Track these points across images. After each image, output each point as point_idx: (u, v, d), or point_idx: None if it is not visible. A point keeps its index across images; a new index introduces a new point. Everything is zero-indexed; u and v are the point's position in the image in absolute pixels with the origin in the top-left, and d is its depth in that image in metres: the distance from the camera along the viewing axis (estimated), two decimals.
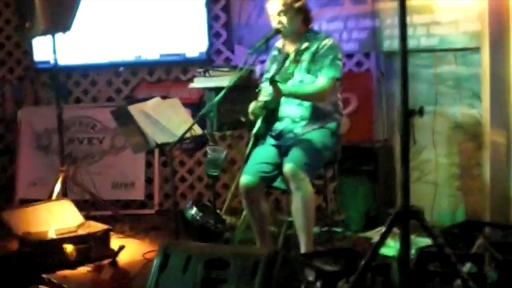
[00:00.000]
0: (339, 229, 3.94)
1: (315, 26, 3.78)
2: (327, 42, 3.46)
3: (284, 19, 3.46)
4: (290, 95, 3.40)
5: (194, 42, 4.99)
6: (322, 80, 3.41)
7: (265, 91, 3.46)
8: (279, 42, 3.66)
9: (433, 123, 4.16)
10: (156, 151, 5.01)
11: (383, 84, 4.55)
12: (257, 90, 3.59)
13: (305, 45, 3.37)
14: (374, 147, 4.33)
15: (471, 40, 3.94)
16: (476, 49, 3.92)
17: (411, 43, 4.14)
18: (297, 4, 3.48)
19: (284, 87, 3.29)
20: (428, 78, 4.25)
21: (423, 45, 4.19)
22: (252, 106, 3.51)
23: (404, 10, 2.52)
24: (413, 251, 2.98)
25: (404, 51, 2.54)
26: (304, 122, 3.49)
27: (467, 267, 2.91)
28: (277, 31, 3.49)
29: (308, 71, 3.45)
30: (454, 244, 3.35)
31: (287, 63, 3.25)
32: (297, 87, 3.42)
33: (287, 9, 3.46)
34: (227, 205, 4.22)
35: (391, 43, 4.37)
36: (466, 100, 4.08)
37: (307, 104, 3.48)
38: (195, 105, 4.87)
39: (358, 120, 4.58)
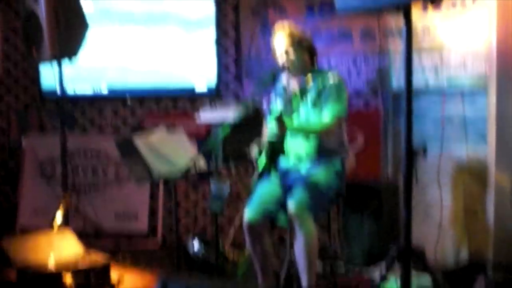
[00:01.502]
0: (341, 267, 3.89)
1: (324, 62, 3.79)
2: (333, 79, 3.46)
3: (292, 55, 3.48)
4: (295, 131, 3.40)
5: (203, 75, 5.02)
6: (326, 118, 3.40)
7: (271, 130, 3.43)
8: (283, 79, 3.65)
9: (438, 164, 4.14)
10: (161, 183, 4.99)
11: (390, 123, 4.56)
12: (263, 126, 3.59)
13: (311, 82, 3.38)
14: (380, 186, 4.32)
15: (478, 81, 3.95)
16: (483, 91, 3.93)
17: (419, 84, 4.19)
18: (304, 42, 3.50)
19: (290, 124, 3.29)
20: (435, 119, 4.26)
21: (431, 86, 4.21)
22: (253, 148, 3.51)
23: (410, 50, 2.54)
24: None
25: (409, 91, 2.55)
26: (309, 160, 3.48)
27: None
28: (284, 68, 3.49)
29: (314, 107, 3.45)
30: (457, 285, 3.32)
31: (294, 100, 3.25)
32: (301, 125, 3.42)
33: (295, 47, 3.48)
34: (230, 240, 4.20)
35: (399, 82, 4.38)
36: (472, 141, 4.08)
37: (313, 141, 3.47)
38: (201, 138, 4.87)
39: (365, 158, 4.57)
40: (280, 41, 3.51)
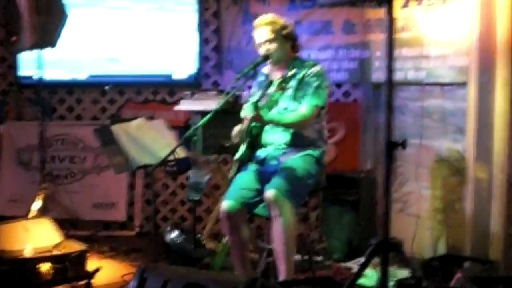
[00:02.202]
0: (320, 258, 3.91)
1: (305, 54, 3.79)
2: (314, 69, 3.45)
3: (272, 47, 3.47)
4: (271, 123, 3.39)
5: (183, 64, 4.99)
6: (303, 108, 3.40)
7: (246, 111, 3.40)
8: (266, 68, 3.65)
9: (417, 156, 4.16)
10: (140, 172, 4.97)
11: (370, 115, 4.57)
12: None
13: (291, 72, 3.37)
14: (358, 177, 4.34)
15: (458, 75, 3.96)
16: (463, 84, 3.95)
17: (399, 76, 4.19)
18: (285, 31, 3.49)
19: (266, 114, 3.28)
20: (414, 111, 4.28)
21: (410, 78, 4.22)
22: (235, 129, 3.49)
23: (392, 43, 2.54)
24: (392, 283, 2.97)
25: (390, 84, 2.55)
26: (287, 149, 3.48)
27: None
28: (266, 58, 3.49)
29: (294, 98, 3.44)
30: (433, 277, 3.35)
31: (271, 89, 3.24)
32: (279, 115, 3.41)
33: (275, 37, 3.47)
34: (208, 230, 4.19)
35: (379, 74, 4.39)
36: (450, 134, 4.10)
37: (291, 131, 3.47)
38: (181, 128, 4.86)
39: (344, 149, 4.59)
40: (261, 31, 3.50)
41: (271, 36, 3.46)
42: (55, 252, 3.81)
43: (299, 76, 3.45)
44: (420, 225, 4.16)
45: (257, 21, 3.53)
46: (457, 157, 4.06)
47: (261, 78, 3.66)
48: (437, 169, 4.19)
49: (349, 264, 4.05)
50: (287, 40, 3.51)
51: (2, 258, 3.65)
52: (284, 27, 3.50)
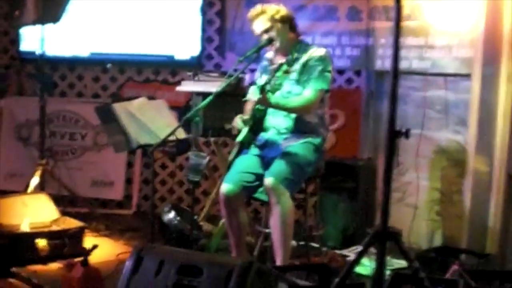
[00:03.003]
0: (316, 245, 3.91)
1: (308, 39, 3.77)
2: (318, 53, 3.44)
3: (273, 33, 3.44)
4: (276, 106, 3.37)
5: (186, 45, 4.96)
6: (308, 92, 3.39)
7: (253, 94, 3.38)
8: (270, 53, 3.63)
9: (418, 146, 4.15)
10: (139, 152, 4.96)
11: (372, 103, 4.55)
12: (244, 99, 3.56)
13: (295, 55, 3.36)
14: (357, 165, 4.32)
15: (462, 66, 3.94)
16: (467, 76, 3.93)
17: (403, 65, 4.17)
18: (278, 15, 3.45)
19: (272, 97, 3.27)
20: (417, 101, 4.26)
21: (414, 68, 4.20)
22: (237, 120, 3.48)
23: (399, 31, 2.52)
24: (388, 272, 2.97)
25: (395, 73, 2.52)
26: (289, 134, 3.47)
27: None
28: (270, 41, 3.46)
29: (298, 82, 3.43)
30: (429, 268, 3.35)
31: (278, 73, 3.22)
32: (284, 99, 3.40)
33: (272, 24, 3.44)
34: (205, 212, 4.19)
35: (383, 62, 4.37)
36: (452, 125, 4.09)
37: (293, 116, 3.46)
38: (181, 109, 4.84)
39: (344, 137, 4.58)
40: (257, 23, 3.48)
41: (268, 24, 3.44)
42: (53, 228, 3.83)
43: (303, 59, 3.43)
44: (417, 216, 4.16)
45: (249, 15, 3.51)
46: (458, 149, 4.05)
47: (264, 63, 3.65)
48: (437, 160, 4.18)
49: (345, 251, 4.06)
50: (285, 22, 3.48)
51: (2, 232, 3.66)
52: (276, 12, 3.46)
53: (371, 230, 2.54)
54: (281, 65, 3.26)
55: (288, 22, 3.50)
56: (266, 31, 3.45)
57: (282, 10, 3.48)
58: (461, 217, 3.98)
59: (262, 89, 3.20)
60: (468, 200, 3.93)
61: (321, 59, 3.42)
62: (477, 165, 3.88)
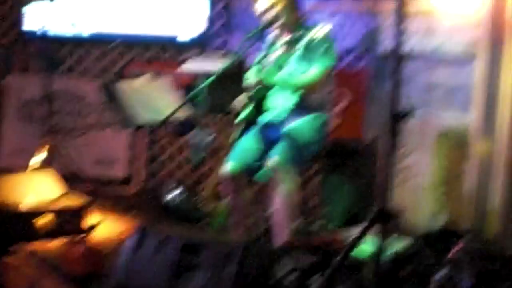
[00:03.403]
0: (318, 224, 3.92)
1: (313, 20, 3.73)
2: (322, 31, 3.43)
3: (278, 8, 3.42)
4: (281, 84, 3.37)
5: (191, 24, 4.93)
6: (314, 70, 3.38)
7: (253, 75, 3.38)
8: (272, 35, 3.60)
9: (422, 128, 4.14)
10: (142, 130, 4.95)
11: (377, 84, 4.54)
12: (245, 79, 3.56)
13: (299, 34, 3.35)
14: (361, 146, 4.32)
15: (467, 48, 3.92)
16: (471, 58, 3.91)
17: (407, 47, 4.14)
18: None
19: (275, 76, 3.26)
20: (421, 84, 4.24)
21: (418, 51, 4.17)
22: (240, 98, 3.48)
23: (401, 14, 2.51)
24: (390, 252, 2.98)
25: (399, 55, 2.52)
26: (292, 113, 3.47)
27: (442, 272, 2.92)
28: (273, 21, 3.44)
29: (303, 59, 3.42)
30: (432, 249, 3.36)
31: (278, 51, 3.22)
32: (289, 77, 3.39)
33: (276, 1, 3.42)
34: (209, 191, 4.20)
35: (388, 44, 4.34)
36: (456, 108, 4.08)
37: (296, 95, 3.45)
38: (186, 87, 4.82)
39: (348, 117, 4.55)
40: (261, 3, 3.46)
41: (272, 1, 3.42)
42: (55, 205, 3.84)
43: (308, 37, 3.42)
44: (421, 198, 4.16)
45: None
46: (462, 131, 4.04)
47: (268, 41, 3.62)
48: (441, 142, 4.18)
49: (347, 232, 4.06)
50: (289, 3, 3.45)
51: (4, 209, 3.67)
52: None
53: (372, 210, 2.55)
54: (283, 47, 3.24)
55: (293, 5, 3.47)
56: (272, 6, 3.43)
57: None
58: (465, 199, 3.98)
59: (259, 69, 3.18)
60: (472, 181, 3.93)
61: (325, 37, 3.41)
62: (481, 147, 3.87)
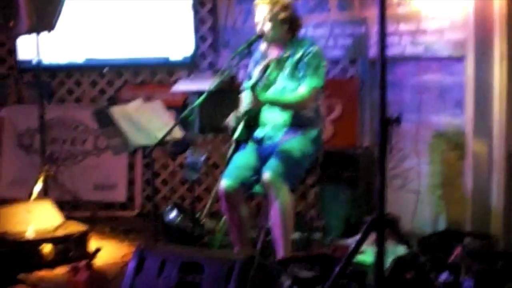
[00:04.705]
0: (318, 235, 3.91)
1: (301, 32, 3.75)
2: (312, 49, 3.43)
3: (267, 26, 3.45)
4: (269, 103, 3.38)
5: (180, 45, 4.97)
6: (303, 89, 3.38)
7: (246, 99, 3.41)
8: (263, 46, 3.62)
9: (416, 131, 4.15)
10: (139, 153, 4.98)
11: (367, 91, 4.55)
12: (239, 95, 3.57)
13: (288, 52, 3.36)
14: (356, 154, 4.31)
15: (455, 49, 3.94)
16: (461, 58, 3.93)
17: (396, 51, 4.17)
18: (282, 14, 3.45)
19: (264, 96, 3.28)
20: (412, 86, 4.26)
21: (408, 53, 4.19)
22: (231, 117, 3.49)
23: (384, 19, 2.52)
24: (390, 259, 2.98)
25: (383, 60, 2.53)
26: (285, 129, 3.47)
27: (444, 276, 2.91)
28: (259, 36, 3.47)
29: (292, 77, 3.43)
30: (433, 253, 3.35)
31: (269, 70, 3.22)
32: (277, 96, 3.41)
33: (272, 17, 3.44)
34: (207, 209, 4.20)
35: (376, 50, 4.35)
36: (449, 109, 4.08)
37: (289, 110, 3.46)
38: (179, 108, 4.85)
39: (342, 126, 4.57)
40: (260, 8, 3.48)
41: (268, 16, 3.44)
42: (57, 233, 3.86)
43: (297, 55, 3.42)
44: (420, 201, 4.16)
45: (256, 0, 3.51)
46: (456, 132, 4.05)
47: (257, 55, 3.64)
48: (436, 144, 4.18)
49: (348, 241, 4.06)
50: (284, 22, 3.47)
51: (5, 239, 3.69)
52: (283, 9, 3.45)
53: (368, 219, 2.55)
54: (267, 66, 3.26)
55: (288, 24, 3.48)
56: (264, 20, 3.44)
57: (288, 11, 3.47)
58: (464, 200, 3.98)
59: (253, 90, 3.21)
60: (469, 182, 3.93)
61: (315, 56, 3.41)
62: (477, 146, 3.88)
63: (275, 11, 3.44)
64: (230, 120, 3.49)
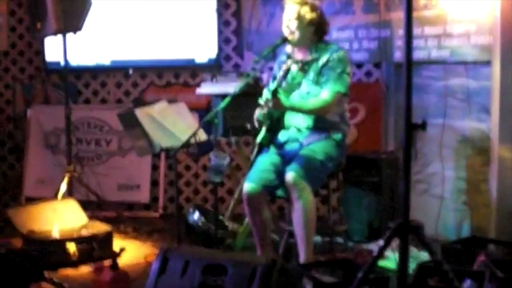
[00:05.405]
0: (341, 240, 3.90)
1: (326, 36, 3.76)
2: (337, 54, 3.41)
3: (292, 26, 3.44)
4: (291, 109, 3.38)
5: (204, 47, 5.00)
6: (325, 94, 3.38)
7: (265, 97, 3.41)
8: (289, 47, 3.60)
9: (441, 136, 4.12)
10: (163, 155, 5.02)
11: (392, 95, 4.53)
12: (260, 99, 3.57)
13: (314, 56, 3.34)
14: (380, 158, 4.29)
15: (482, 53, 3.90)
16: (487, 63, 3.89)
17: (422, 55, 4.14)
18: (309, 16, 3.44)
19: (285, 101, 3.28)
20: (437, 91, 4.22)
21: (433, 57, 4.16)
22: (257, 112, 3.49)
23: (410, 22, 2.51)
24: (413, 265, 2.96)
25: (409, 64, 2.52)
26: (309, 132, 3.47)
27: (467, 283, 2.88)
28: (284, 40, 3.47)
29: (316, 82, 3.42)
30: (457, 260, 3.33)
31: (292, 75, 3.21)
32: (299, 101, 3.40)
33: (299, 18, 3.43)
34: (230, 212, 4.23)
35: (401, 53, 4.33)
36: (475, 114, 4.04)
37: (311, 115, 3.46)
38: (202, 110, 4.88)
39: (366, 130, 4.56)
40: (288, 8, 3.47)
41: (295, 16, 3.43)
42: (82, 233, 3.90)
43: (322, 60, 3.41)
44: (444, 207, 4.13)
45: None
46: (482, 137, 4.01)
47: (283, 58, 3.62)
48: (461, 149, 4.14)
49: (370, 246, 4.04)
50: (311, 25, 3.46)
51: (31, 238, 3.74)
52: (311, 10, 3.44)
53: (392, 225, 2.54)
54: (288, 70, 3.24)
55: (315, 26, 3.47)
56: (290, 21, 3.44)
57: (317, 13, 3.46)
58: (488, 206, 3.93)
59: (274, 94, 3.21)
60: (494, 188, 3.88)
61: (340, 61, 3.40)
62: (502, 152, 3.83)
63: (304, 11, 3.43)
64: (256, 115, 3.48)
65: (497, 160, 3.87)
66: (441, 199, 4.15)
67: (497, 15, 3.77)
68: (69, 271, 3.61)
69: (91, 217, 4.15)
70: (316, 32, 3.49)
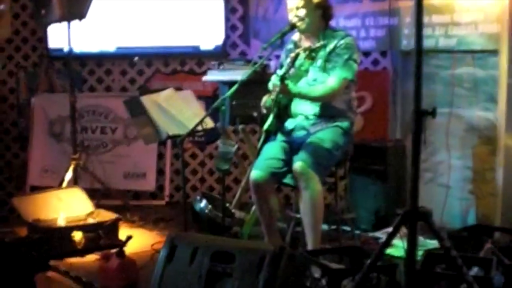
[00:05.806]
0: (348, 228, 3.91)
1: (333, 22, 3.75)
2: (344, 41, 3.41)
3: (301, 13, 3.43)
4: (298, 96, 3.37)
5: (210, 35, 4.98)
6: (332, 80, 3.38)
7: (273, 84, 3.40)
8: (296, 36, 3.60)
9: (448, 125, 4.11)
10: (169, 143, 5.02)
11: (399, 83, 4.52)
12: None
13: (321, 43, 3.34)
14: (387, 147, 4.29)
15: (489, 42, 3.89)
16: (495, 52, 3.88)
17: (429, 43, 4.13)
18: (317, 1, 3.44)
19: (293, 87, 3.27)
20: (445, 79, 4.21)
21: (441, 46, 4.15)
22: (264, 98, 3.49)
23: (421, 10, 2.49)
24: (421, 252, 2.97)
25: (419, 52, 2.50)
26: (316, 120, 3.47)
27: (474, 271, 2.89)
28: (293, 27, 3.46)
29: (324, 69, 3.42)
30: (463, 248, 3.33)
31: (299, 61, 3.21)
32: (307, 88, 3.40)
33: (306, 4, 3.43)
34: (237, 200, 4.23)
35: (409, 42, 4.32)
36: (482, 103, 4.03)
37: (318, 102, 3.45)
38: (209, 98, 4.87)
39: (373, 118, 4.55)
40: None
41: (301, 3, 3.43)
42: (88, 221, 3.91)
43: (330, 47, 3.40)
44: (450, 195, 4.13)
45: None
46: (488, 126, 4.00)
47: (290, 46, 3.62)
48: (467, 138, 4.14)
49: (377, 234, 4.05)
50: (318, 8, 3.45)
51: (37, 226, 3.75)
52: None
53: (400, 211, 2.53)
54: (297, 54, 3.23)
55: (321, 10, 3.47)
56: (297, 8, 3.43)
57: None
58: (494, 195, 3.94)
59: (282, 80, 3.20)
60: (500, 177, 3.89)
61: (348, 47, 3.39)
62: (508, 141, 3.83)
63: None
64: (264, 100, 3.47)
65: (503, 149, 3.88)
66: (447, 187, 4.15)
67: (505, 4, 3.76)
68: (76, 260, 3.62)
69: (97, 206, 4.17)
70: (323, 16, 3.48)
